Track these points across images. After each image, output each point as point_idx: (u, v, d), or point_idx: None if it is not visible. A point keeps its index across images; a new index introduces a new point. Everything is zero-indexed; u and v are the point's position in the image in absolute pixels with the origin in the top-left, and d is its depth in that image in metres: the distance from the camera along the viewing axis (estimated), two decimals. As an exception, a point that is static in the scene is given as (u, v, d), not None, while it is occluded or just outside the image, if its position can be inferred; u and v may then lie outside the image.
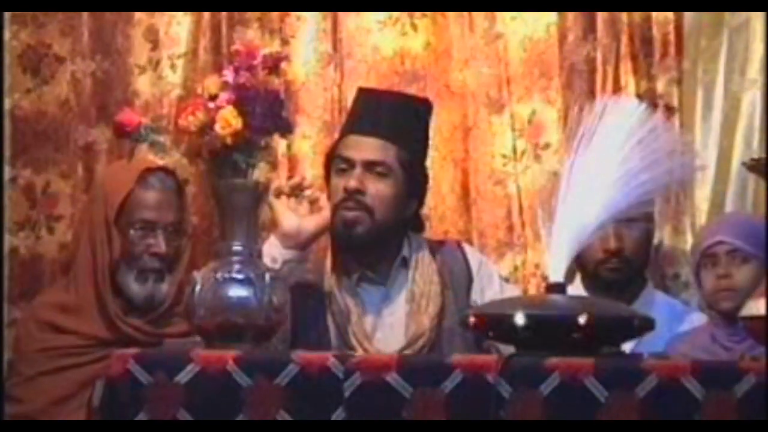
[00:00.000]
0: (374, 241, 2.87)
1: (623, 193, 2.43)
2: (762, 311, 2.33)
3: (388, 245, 2.91)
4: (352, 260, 2.91)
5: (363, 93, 3.07)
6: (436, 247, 2.98)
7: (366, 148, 2.88)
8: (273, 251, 2.73)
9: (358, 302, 2.87)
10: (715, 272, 3.06)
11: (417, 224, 3.00)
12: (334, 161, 2.92)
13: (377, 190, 2.85)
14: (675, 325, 3.19)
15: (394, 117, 2.92)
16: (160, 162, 3.05)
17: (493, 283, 2.98)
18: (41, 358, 2.94)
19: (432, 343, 2.83)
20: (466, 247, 3.08)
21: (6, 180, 3.53)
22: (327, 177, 2.97)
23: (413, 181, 2.92)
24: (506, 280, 3.09)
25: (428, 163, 3.59)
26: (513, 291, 3.04)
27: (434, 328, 2.84)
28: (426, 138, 3.04)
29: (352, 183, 2.84)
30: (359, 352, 2.77)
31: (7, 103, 3.58)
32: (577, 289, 3.20)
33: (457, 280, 2.92)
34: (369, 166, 2.86)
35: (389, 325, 2.88)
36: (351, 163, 2.87)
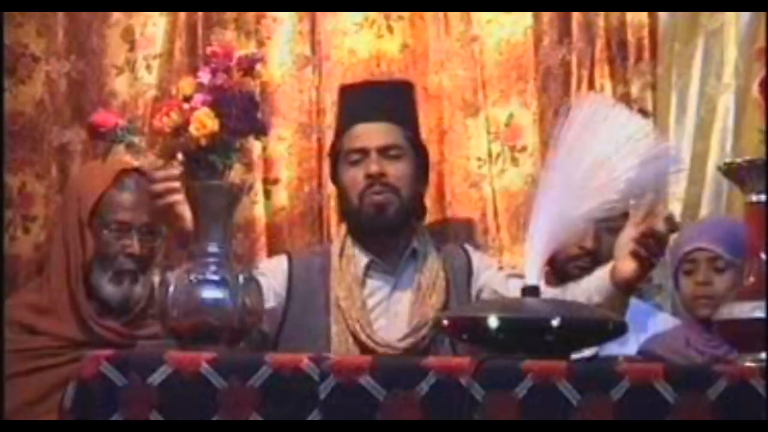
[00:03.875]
0: (403, 223, 2.93)
1: (599, 194, 2.43)
2: (737, 315, 2.33)
3: (398, 235, 2.95)
4: (361, 249, 2.95)
5: (350, 87, 3.15)
6: (441, 246, 3.03)
7: (376, 134, 2.94)
8: None
9: (365, 289, 2.91)
10: (695, 278, 3.05)
11: (420, 211, 3.05)
12: (345, 155, 2.96)
13: (396, 170, 2.92)
14: (638, 326, 3.19)
15: (391, 100, 3.00)
16: (135, 163, 3.04)
17: (490, 267, 3.00)
18: (15, 359, 2.92)
19: (434, 335, 2.85)
20: (469, 248, 3.10)
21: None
22: (333, 174, 3.03)
23: (420, 158, 3.00)
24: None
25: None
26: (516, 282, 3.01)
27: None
28: (417, 117, 3.09)
29: (374, 168, 2.91)
30: (362, 338, 2.84)
31: (-13, 103, 3.57)
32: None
33: (458, 274, 2.95)
34: (383, 151, 2.93)
35: (394, 314, 2.91)
36: (365, 152, 2.93)
